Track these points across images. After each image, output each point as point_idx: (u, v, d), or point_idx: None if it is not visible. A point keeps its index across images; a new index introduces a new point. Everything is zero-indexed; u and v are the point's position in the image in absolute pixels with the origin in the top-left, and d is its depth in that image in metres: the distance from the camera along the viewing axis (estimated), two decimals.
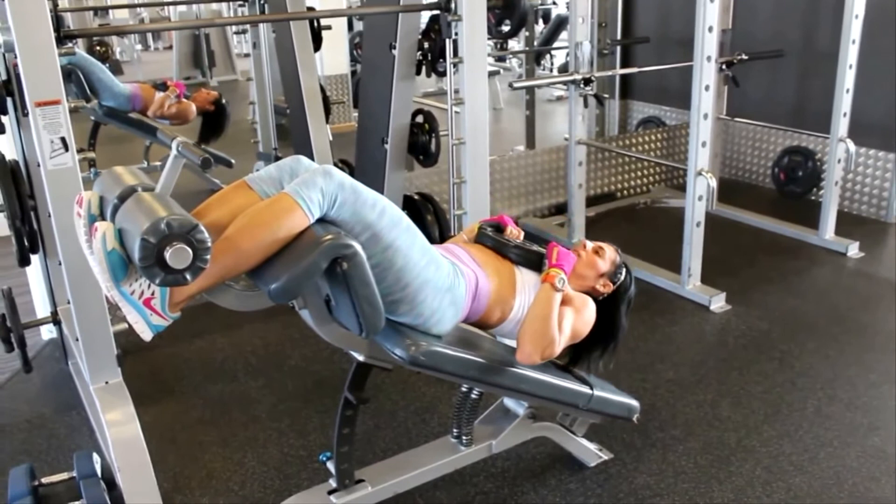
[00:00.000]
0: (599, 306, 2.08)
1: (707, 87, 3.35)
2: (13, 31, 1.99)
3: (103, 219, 1.67)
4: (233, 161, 4.64)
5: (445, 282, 1.84)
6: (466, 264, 1.95)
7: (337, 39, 6.25)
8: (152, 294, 1.63)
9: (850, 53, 3.82)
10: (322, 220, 1.70)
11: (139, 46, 9.72)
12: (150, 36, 9.90)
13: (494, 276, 1.99)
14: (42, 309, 3.31)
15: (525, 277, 2.02)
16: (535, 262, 2.04)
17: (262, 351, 3.22)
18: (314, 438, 2.62)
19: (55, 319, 2.97)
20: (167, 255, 1.47)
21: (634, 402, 2.32)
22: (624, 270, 2.16)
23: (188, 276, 1.51)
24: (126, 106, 4.56)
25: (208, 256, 1.53)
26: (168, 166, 1.83)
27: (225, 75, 8.30)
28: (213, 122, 4.77)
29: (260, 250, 1.65)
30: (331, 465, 2.13)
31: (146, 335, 1.65)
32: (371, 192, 1.75)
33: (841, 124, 3.95)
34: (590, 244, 2.13)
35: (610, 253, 2.13)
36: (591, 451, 2.45)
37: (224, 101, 4.80)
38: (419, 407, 2.78)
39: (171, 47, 8.64)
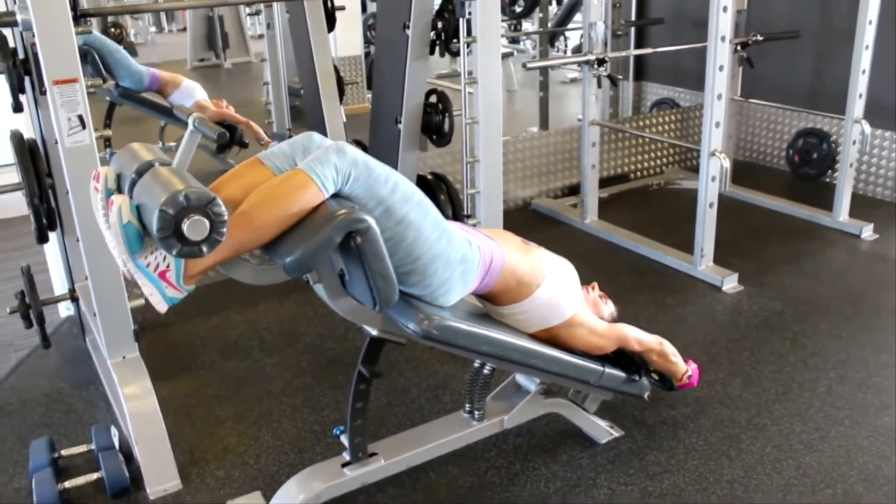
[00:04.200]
0: None
1: (721, 68, 3.34)
2: (31, 10, 2.01)
3: (120, 193, 1.70)
4: (248, 142, 4.66)
5: (457, 254, 1.86)
6: (481, 240, 1.97)
7: (351, 20, 6.26)
8: (167, 266, 1.65)
9: (867, 34, 3.78)
10: (336, 196, 1.72)
11: (153, 28, 9.72)
12: (164, 18, 9.91)
13: (515, 254, 2.02)
14: (60, 286, 3.35)
15: (555, 278, 2.10)
16: None
17: (277, 328, 3.26)
18: (328, 414, 2.66)
19: (73, 296, 3.01)
20: (185, 226, 1.49)
21: (645, 380, 2.33)
22: None
23: (204, 248, 1.54)
24: (143, 84, 4.56)
25: (225, 229, 1.56)
26: (184, 142, 1.85)
27: (239, 57, 8.28)
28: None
29: (274, 225, 1.68)
30: (344, 439, 2.15)
31: (161, 307, 1.68)
32: (384, 167, 1.77)
33: (856, 106, 3.91)
34: (598, 289, 2.34)
35: (611, 305, 2.38)
36: (602, 428, 2.47)
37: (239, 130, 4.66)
38: (432, 384, 2.81)
39: (184, 29, 8.63)
